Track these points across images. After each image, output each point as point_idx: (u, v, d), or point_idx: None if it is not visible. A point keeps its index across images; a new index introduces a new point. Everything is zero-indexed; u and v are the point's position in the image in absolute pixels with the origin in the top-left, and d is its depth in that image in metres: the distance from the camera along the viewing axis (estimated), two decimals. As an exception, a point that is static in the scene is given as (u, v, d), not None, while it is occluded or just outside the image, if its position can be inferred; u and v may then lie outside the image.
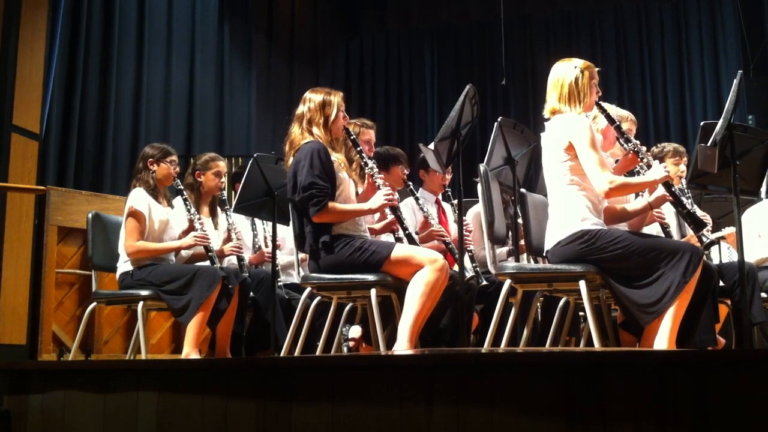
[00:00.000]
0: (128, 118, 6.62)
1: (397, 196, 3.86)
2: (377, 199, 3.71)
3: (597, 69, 3.61)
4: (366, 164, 3.84)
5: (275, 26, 8.48)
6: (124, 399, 2.83)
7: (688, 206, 3.58)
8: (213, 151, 5.12)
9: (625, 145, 3.63)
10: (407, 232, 3.85)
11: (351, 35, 9.67)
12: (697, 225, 3.50)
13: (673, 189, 3.54)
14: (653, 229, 4.21)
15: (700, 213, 4.38)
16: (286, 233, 4.71)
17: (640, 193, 3.90)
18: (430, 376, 2.26)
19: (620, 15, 9.54)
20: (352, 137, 3.87)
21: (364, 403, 2.34)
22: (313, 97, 3.76)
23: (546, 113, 3.61)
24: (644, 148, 3.66)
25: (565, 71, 3.55)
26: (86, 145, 6.23)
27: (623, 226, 3.78)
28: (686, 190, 4.39)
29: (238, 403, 2.58)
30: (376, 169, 3.84)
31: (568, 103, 3.52)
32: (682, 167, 4.51)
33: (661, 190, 3.62)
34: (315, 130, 3.71)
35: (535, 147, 4.28)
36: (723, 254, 4.97)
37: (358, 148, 3.86)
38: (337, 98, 3.77)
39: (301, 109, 3.77)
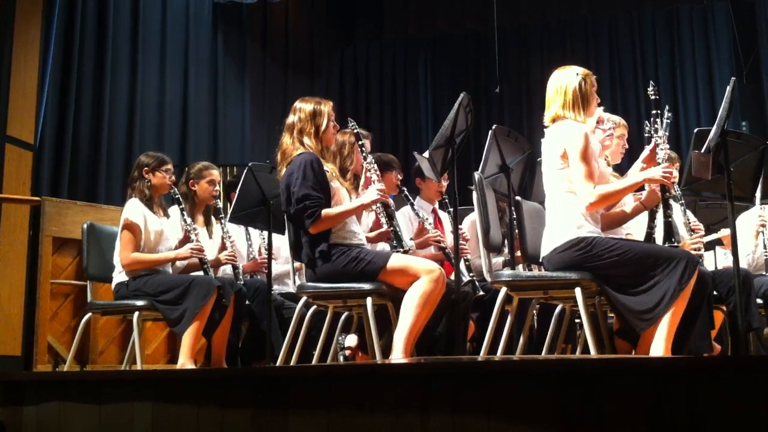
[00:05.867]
0: (123, 128, 6.59)
1: (392, 203, 3.86)
2: (370, 194, 3.69)
3: (594, 77, 3.63)
4: (365, 158, 3.84)
5: (270, 35, 8.47)
6: (119, 410, 2.82)
7: (672, 216, 3.60)
8: (208, 161, 5.11)
9: (655, 135, 3.64)
10: (402, 243, 3.83)
11: (346, 43, 9.65)
12: (667, 235, 3.51)
13: (666, 194, 3.56)
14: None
15: (693, 220, 4.39)
16: (281, 242, 4.70)
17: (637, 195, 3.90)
18: (425, 385, 2.25)
19: (614, 23, 9.57)
20: (356, 132, 3.86)
21: (360, 412, 2.33)
22: (303, 107, 3.75)
23: (546, 121, 3.59)
24: (667, 146, 3.68)
25: (568, 78, 3.55)
26: (81, 155, 6.20)
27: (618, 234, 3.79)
28: (679, 196, 4.40)
29: (234, 413, 2.57)
30: (375, 165, 3.83)
31: (572, 110, 3.51)
32: (674, 173, 4.52)
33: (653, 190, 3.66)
34: (306, 140, 3.70)
35: (530, 155, 4.29)
36: (719, 260, 4.98)
37: (360, 142, 3.86)
38: (327, 108, 3.76)
39: (292, 119, 3.76)
